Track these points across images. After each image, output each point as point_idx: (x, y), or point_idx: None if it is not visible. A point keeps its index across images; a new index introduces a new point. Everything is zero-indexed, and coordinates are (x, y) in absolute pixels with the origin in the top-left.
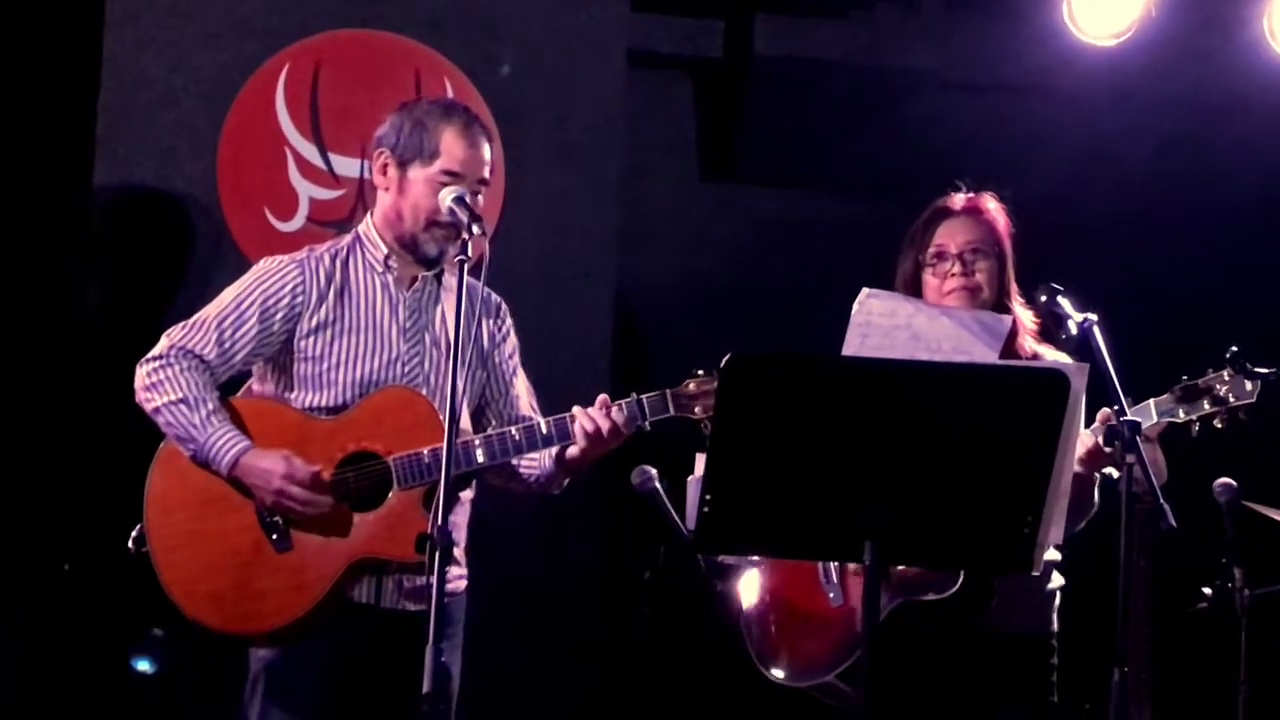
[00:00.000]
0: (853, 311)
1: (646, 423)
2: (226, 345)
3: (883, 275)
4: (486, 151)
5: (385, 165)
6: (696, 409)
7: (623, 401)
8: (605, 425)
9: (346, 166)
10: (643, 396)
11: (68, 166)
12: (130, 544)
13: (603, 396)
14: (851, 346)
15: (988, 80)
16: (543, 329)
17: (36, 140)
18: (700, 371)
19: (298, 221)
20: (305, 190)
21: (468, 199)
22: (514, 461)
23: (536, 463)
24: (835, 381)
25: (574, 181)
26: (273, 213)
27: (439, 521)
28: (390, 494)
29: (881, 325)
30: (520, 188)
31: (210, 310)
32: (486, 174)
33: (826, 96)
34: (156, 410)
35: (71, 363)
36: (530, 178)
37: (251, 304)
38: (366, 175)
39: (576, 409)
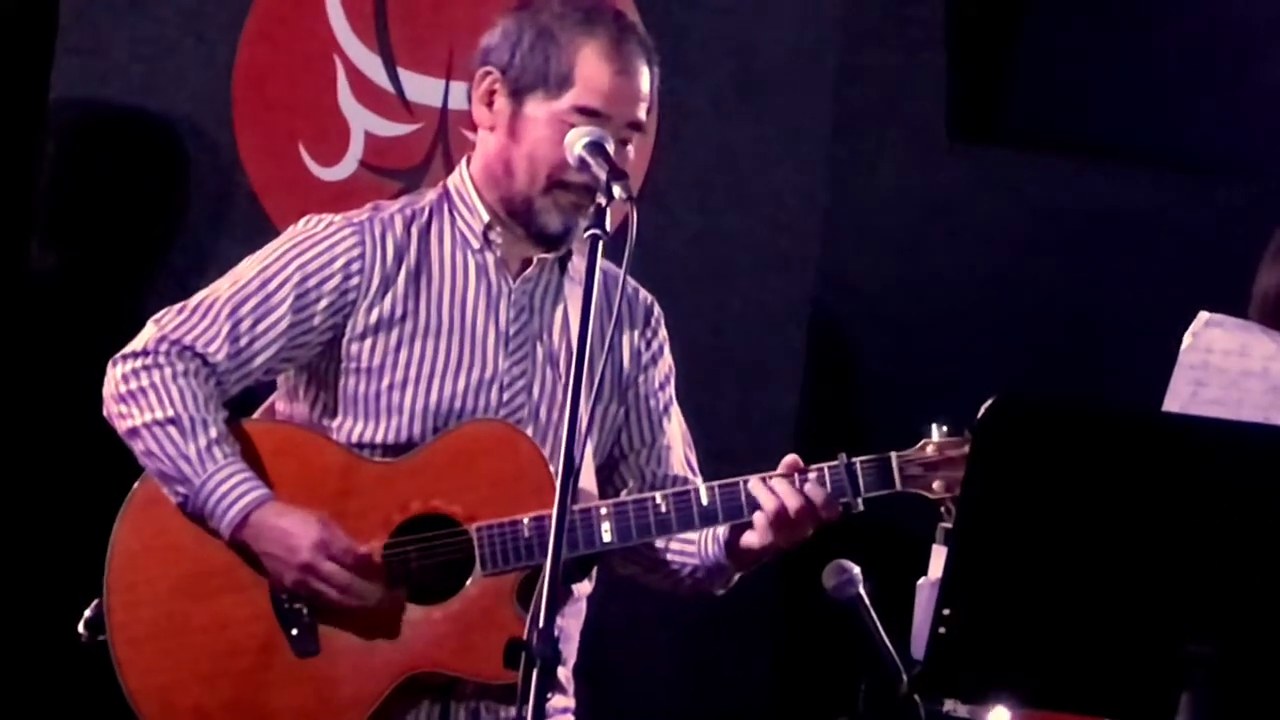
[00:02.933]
0: (1183, 345)
1: (859, 500)
2: (243, 343)
3: (1225, 290)
4: (644, 80)
5: (492, 93)
6: (935, 484)
7: (825, 466)
8: (795, 503)
9: (424, 90)
10: (856, 460)
11: (14, 74)
12: (82, 627)
13: (791, 458)
14: (1179, 397)
15: None
16: (708, 345)
17: None
18: (944, 427)
19: (347, 166)
20: (361, 121)
21: (609, 146)
22: (658, 544)
23: (693, 548)
24: (1153, 450)
25: (762, 133)
26: (311, 152)
27: (541, 625)
28: (469, 580)
29: (1226, 369)
30: (683, 137)
31: (221, 289)
32: (641, 114)
33: (1142, 30)
34: (133, 432)
35: (6, 352)
36: (698, 124)
37: (284, 283)
38: (454, 104)
39: (754, 478)
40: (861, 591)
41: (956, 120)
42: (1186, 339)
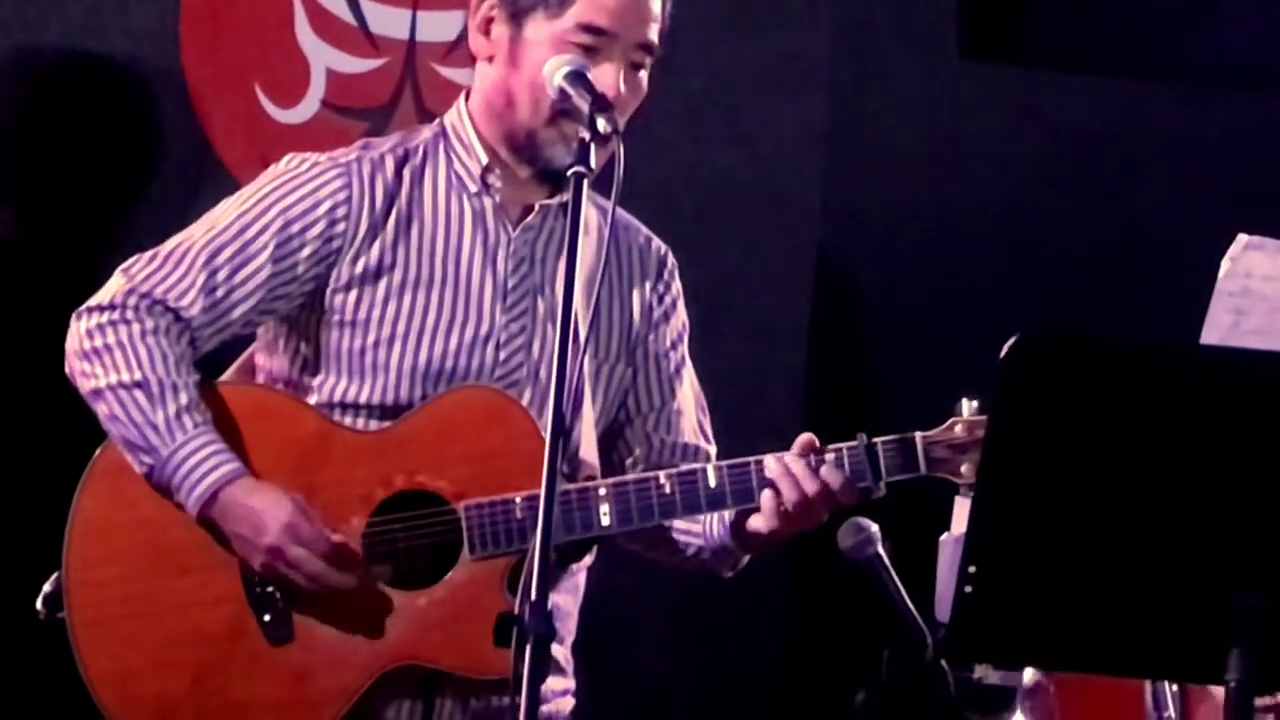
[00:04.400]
0: (1221, 272)
1: (880, 484)
2: (220, 295)
3: (1265, 211)
4: None
5: (490, 20)
6: (964, 468)
7: (844, 447)
8: (811, 487)
9: (390, 21)
10: (877, 441)
11: None
12: (40, 603)
13: (807, 437)
14: (1218, 327)
15: None
16: (704, 294)
17: None
18: (974, 403)
19: (307, 107)
20: (321, 57)
21: (590, 74)
22: (663, 524)
23: (698, 528)
24: (1192, 387)
25: (757, 56)
26: (268, 93)
27: (533, 597)
28: (457, 564)
29: (1268, 296)
30: (671, 63)
31: (196, 236)
32: (653, 34)
33: None
34: (97, 394)
35: None
36: (687, 47)
37: (264, 229)
38: (423, 36)
39: (766, 458)
40: (880, 551)
41: (969, 37)
42: (1224, 264)
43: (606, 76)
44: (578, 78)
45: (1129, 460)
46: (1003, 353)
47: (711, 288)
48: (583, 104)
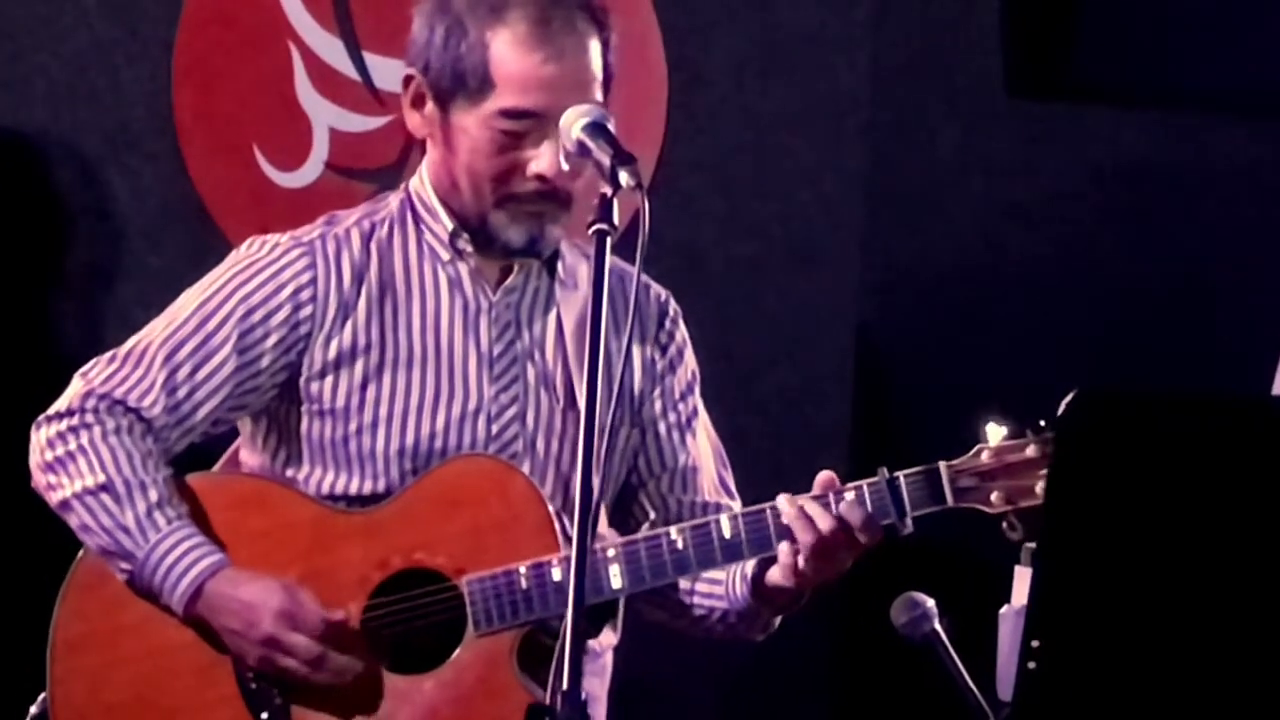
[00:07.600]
0: None
1: (907, 520)
2: (182, 394)
3: None
4: (585, 58)
5: (421, 97)
6: (994, 496)
7: (864, 484)
8: (829, 527)
9: (395, 75)
10: (899, 474)
11: None
12: None
13: (826, 475)
14: None
15: None
16: (741, 356)
17: None
18: (1004, 429)
19: (311, 170)
20: (324, 116)
21: (611, 125)
22: (682, 585)
23: (720, 589)
24: (1264, 443)
25: (791, 101)
26: (269, 156)
27: (565, 685)
28: (462, 642)
29: None
30: (699, 112)
31: (155, 332)
32: (595, 95)
33: None
34: (65, 504)
35: None
36: (716, 95)
37: (225, 320)
38: None
39: (782, 499)
40: (938, 627)
41: (1016, 74)
42: None
43: (544, 160)
44: (597, 129)
45: (1199, 523)
46: (1060, 410)
47: (747, 351)
48: (604, 157)
